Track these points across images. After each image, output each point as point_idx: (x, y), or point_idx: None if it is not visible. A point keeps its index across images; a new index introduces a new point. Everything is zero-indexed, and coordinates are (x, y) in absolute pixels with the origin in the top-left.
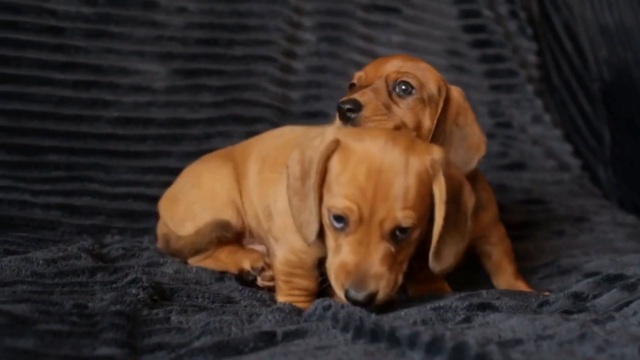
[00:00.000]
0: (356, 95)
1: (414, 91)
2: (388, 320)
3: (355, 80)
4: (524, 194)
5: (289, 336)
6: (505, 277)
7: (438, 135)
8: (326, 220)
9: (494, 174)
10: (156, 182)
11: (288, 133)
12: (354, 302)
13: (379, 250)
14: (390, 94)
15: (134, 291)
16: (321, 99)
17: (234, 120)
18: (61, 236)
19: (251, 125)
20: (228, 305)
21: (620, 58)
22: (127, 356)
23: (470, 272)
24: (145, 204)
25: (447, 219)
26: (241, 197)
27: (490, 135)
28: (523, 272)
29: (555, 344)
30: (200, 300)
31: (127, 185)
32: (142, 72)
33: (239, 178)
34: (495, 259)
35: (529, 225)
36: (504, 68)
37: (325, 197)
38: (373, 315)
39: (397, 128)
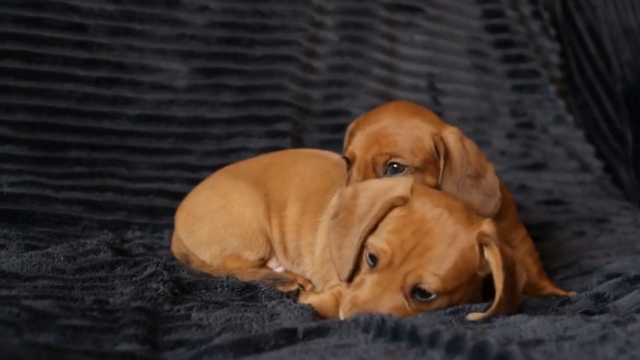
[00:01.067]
0: None
1: (405, 168)
2: (409, 320)
3: (348, 157)
4: (545, 194)
5: (310, 334)
6: (530, 278)
7: (449, 191)
8: (362, 258)
9: (515, 174)
10: (177, 178)
11: (332, 171)
12: None
13: (393, 299)
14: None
15: (154, 285)
16: (342, 98)
17: (254, 120)
18: (82, 231)
19: (272, 125)
20: (248, 295)
21: None
22: (148, 352)
23: None
24: (167, 200)
25: (506, 284)
26: (270, 224)
27: (511, 136)
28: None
29: (577, 344)
30: (219, 290)
31: (148, 181)
32: (164, 70)
33: (272, 207)
34: (519, 260)
35: (550, 226)
36: (527, 68)
37: (370, 236)
38: (394, 316)
39: None
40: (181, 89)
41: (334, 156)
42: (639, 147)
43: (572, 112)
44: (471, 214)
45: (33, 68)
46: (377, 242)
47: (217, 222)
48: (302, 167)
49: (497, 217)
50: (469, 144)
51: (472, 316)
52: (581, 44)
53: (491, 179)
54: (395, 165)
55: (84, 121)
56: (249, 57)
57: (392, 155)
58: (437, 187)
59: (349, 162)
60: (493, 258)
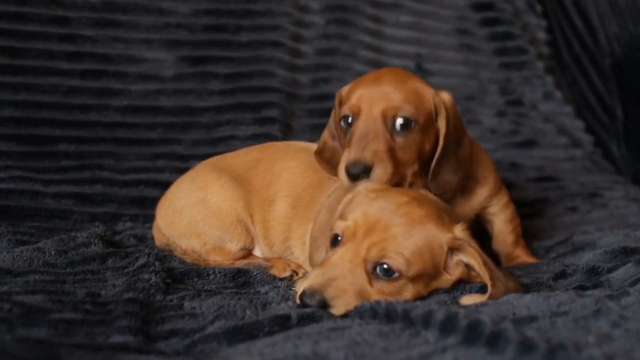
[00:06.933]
0: (362, 155)
1: (412, 124)
2: (400, 303)
3: (349, 113)
4: (536, 171)
5: (304, 320)
6: (505, 245)
7: (443, 156)
8: (328, 246)
9: (506, 152)
10: (167, 167)
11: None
12: (305, 304)
13: (355, 274)
14: (390, 133)
15: (146, 276)
16: (330, 82)
17: (242, 107)
18: (73, 225)
19: (260, 111)
20: (240, 281)
21: (631, 33)
22: (141, 343)
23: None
24: (157, 190)
25: (493, 278)
26: (252, 220)
27: (501, 114)
28: (537, 250)
29: (570, 320)
30: (211, 277)
31: (137, 172)
32: (150, 60)
33: (255, 203)
34: (497, 227)
35: (542, 203)
36: (514, 46)
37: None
38: (384, 301)
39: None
40: (168, 78)
41: None
42: (629, 121)
43: (561, 88)
44: (443, 216)
45: (17, 63)
46: (341, 224)
47: (196, 215)
48: (294, 162)
49: (476, 183)
50: (457, 110)
51: (466, 300)
52: (568, 20)
53: (466, 146)
54: (403, 122)
55: (71, 114)
56: (235, 44)
57: (399, 109)
58: (432, 154)
59: (347, 120)
60: (473, 259)
